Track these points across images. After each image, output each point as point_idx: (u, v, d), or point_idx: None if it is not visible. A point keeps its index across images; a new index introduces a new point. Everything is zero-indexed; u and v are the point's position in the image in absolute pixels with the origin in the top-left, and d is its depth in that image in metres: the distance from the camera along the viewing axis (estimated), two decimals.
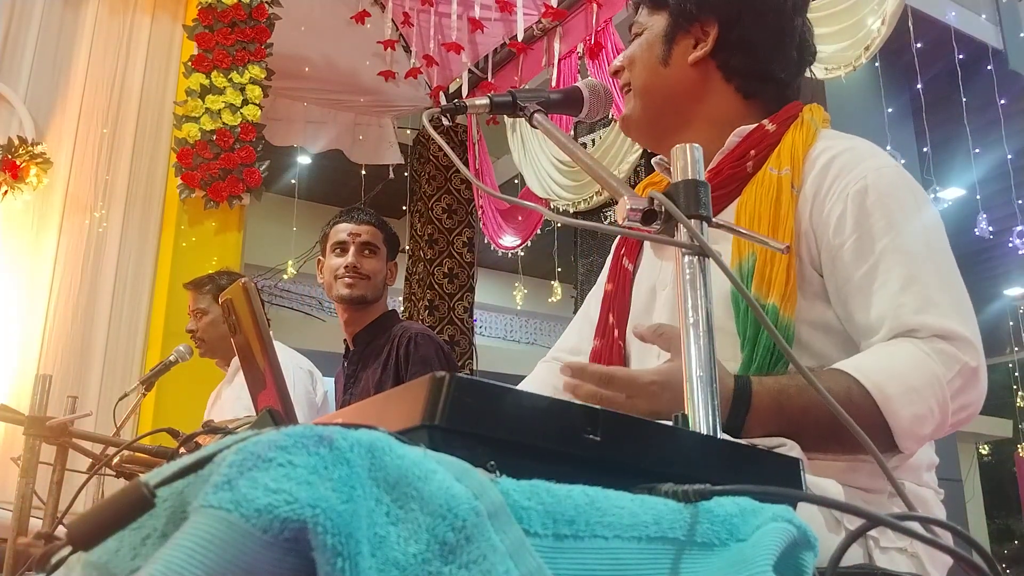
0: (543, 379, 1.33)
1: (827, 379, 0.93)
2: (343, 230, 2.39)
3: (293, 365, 2.73)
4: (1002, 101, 5.40)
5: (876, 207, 1.02)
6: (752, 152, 1.12)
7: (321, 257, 2.47)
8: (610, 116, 1.29)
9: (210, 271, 3.58)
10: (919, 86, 4.89)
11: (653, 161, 1.31)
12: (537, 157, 5.07)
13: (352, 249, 2.35)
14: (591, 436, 0.53)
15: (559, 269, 5.89)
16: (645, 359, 1.18)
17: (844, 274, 1.03)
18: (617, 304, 1.24)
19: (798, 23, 1.21)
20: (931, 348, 0.95)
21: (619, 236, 1.34)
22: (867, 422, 0.89)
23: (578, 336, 1.36)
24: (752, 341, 1.01)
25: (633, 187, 1.20)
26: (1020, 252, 5.18)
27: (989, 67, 5.52)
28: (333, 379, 2.68)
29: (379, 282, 2.39)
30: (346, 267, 2.33)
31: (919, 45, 4.47)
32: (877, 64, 4.65)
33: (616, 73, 1.25)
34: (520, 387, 1.21)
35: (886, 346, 0.97)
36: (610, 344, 1.22)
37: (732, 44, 1.18)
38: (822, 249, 1.05)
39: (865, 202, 1.03)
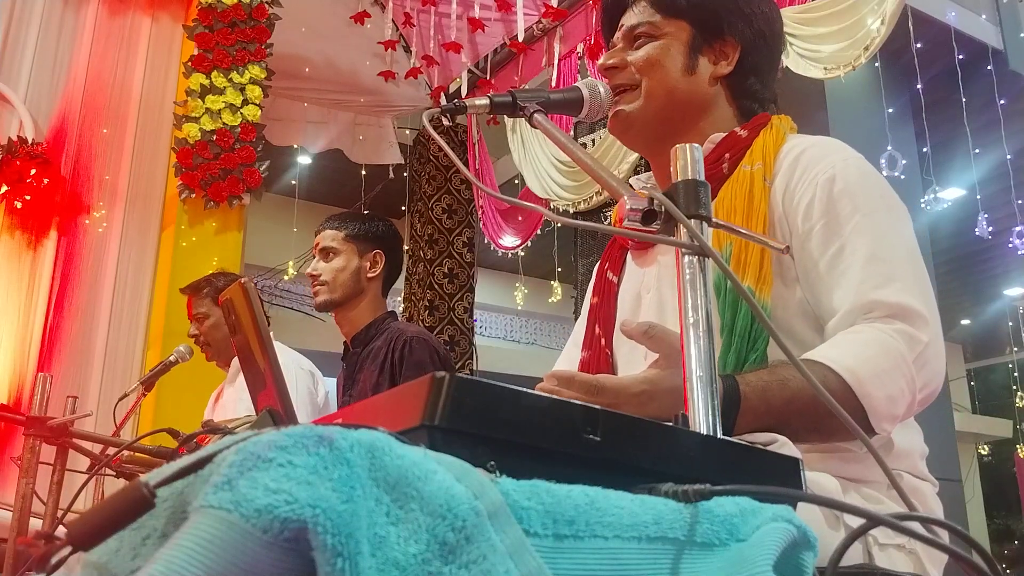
0: None
1: (837, 397, 0.93)
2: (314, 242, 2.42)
3: (295, 365, 2.72)
4: (1002, 101, 5.40)
5: (843, 194, 1.07)
6: (727, 155, 1.16)
7: None
8: (610, 116, 1.28)
9: (210, 271, 3.58)
10: (919, 86, 4.88)
11: (634, 181, 1.31)
12: (537, 157, 5.07)
13: (315, 259, 2.37)
14: (591, 436, 0.53)
15: (559, 269, 5.89)
16: (632, 367, 1.19)
17: (812, 257, 1.06)
18: (602, 314, 1.26)
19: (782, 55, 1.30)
20: (892, 329, 0.98)
21: (603, 251, 1.36)
22: (843, 407, 0.90)
23: (568, 363, 1.38)
24: (730, 326, 1.04)
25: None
26: (1020, 252, 5.18)
27: (989, 67, 5.52)
28: (336, 380, 2.68)
29: (342, 282, 2.33)
30: (309, 278, 2.36)
31: (919, 45, 4.47)
32: (877, 64, 4.64)
33: (611, 70, 1.23)
34: None
35: (850, 333, 0.99)
36: (597, 354, 1.24)
37: (748, 68, 1.22)
38: (793, 235, 1.09)
39: (833, 190, 1.07)
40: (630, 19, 1.24)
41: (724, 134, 1.19)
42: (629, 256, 1.29)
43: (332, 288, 2.33)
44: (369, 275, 2.37)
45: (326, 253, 2.36)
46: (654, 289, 1.18)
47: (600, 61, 1.26)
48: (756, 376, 0.95)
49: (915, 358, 0.97)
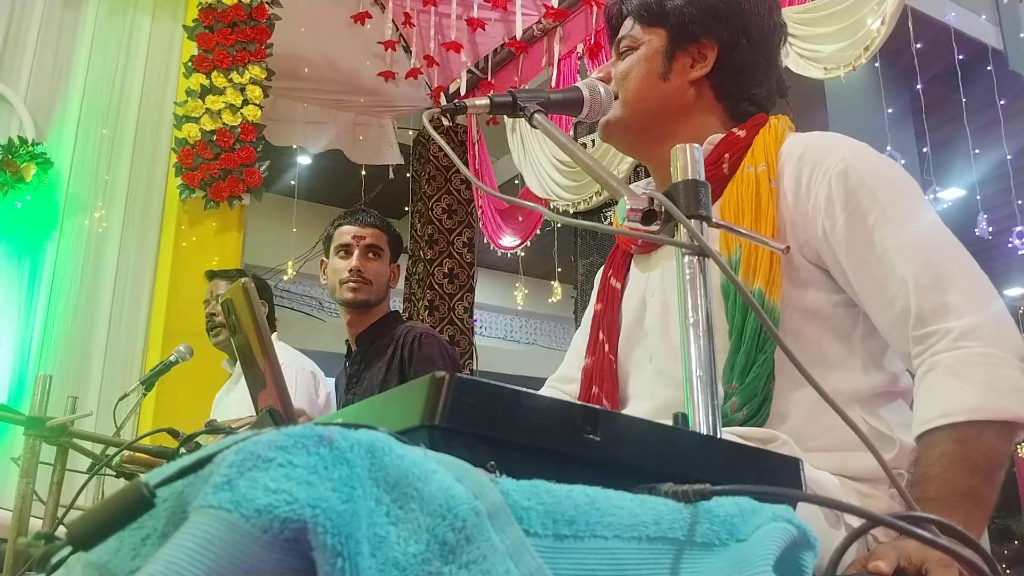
0: None
1: (972, 440, 0.94)
2: (347, 232, 2.38)
3: (296, 366, 2.73)
4: (1002, 101, 5.40)
5: (860, 185, 1.07)
6: (727, 155, 1.16)
7: (324, 258, 2.46)
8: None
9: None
10: (919, 86, 4.88)
11: (634, 187, 1.33)
12: (537, 157, 5.07)
13: (356, 252, 2.35)
14: (591, 436, 0.53)
15: (559, 269, 5.88)
16: (637, 373, 1.20)
17: (843, 251, 1.06)
18: (607, 321, 1.27)
19: (780, 56, 1.29)
20: (966, 342, 0.97)
21: (607, 257, 1.37)
22: (1010, 436, 0.95)
23: (567, 368, 1.40)
24: (740, 327, 1.05)
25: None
26: (1020, 252, 5.18)
27: (989, 67, 5.52)
28: (334, 380, 2.69)
29: (382, 285, 2.39)
30: (350, 271, 2.33)
31: (919, 45, 4.46)
32: (877, 64, 4.65)
33: (601, 82, 1.26)
34: None
35: (953, 374, 0.97)
36: (601, 360, 1.25)
37: (728, 67, 1.22)
38: (812, 234, 1.09)
39: (848, 181, 1.07)
40: (619, 33, 1.29)
41: (722, 134, 1.19)
42: (632, 262, 1.30)
43: (376, 289, 2.37)
44: (391, 285, 2.43)
45: (371, 251, 2.37)
46: (658, 292, 1.18)
47: (591, 75, 1.28)
48: (936, 488, 0.94)
49: (1005, 350, 0.97)
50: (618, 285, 1.29)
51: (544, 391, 1.40)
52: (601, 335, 1.27)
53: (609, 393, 1.21)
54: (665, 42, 1.23)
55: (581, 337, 1.37)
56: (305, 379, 2.74)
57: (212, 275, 2.99)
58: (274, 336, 2.94)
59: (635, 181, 1.39)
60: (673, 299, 1.14)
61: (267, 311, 2.99)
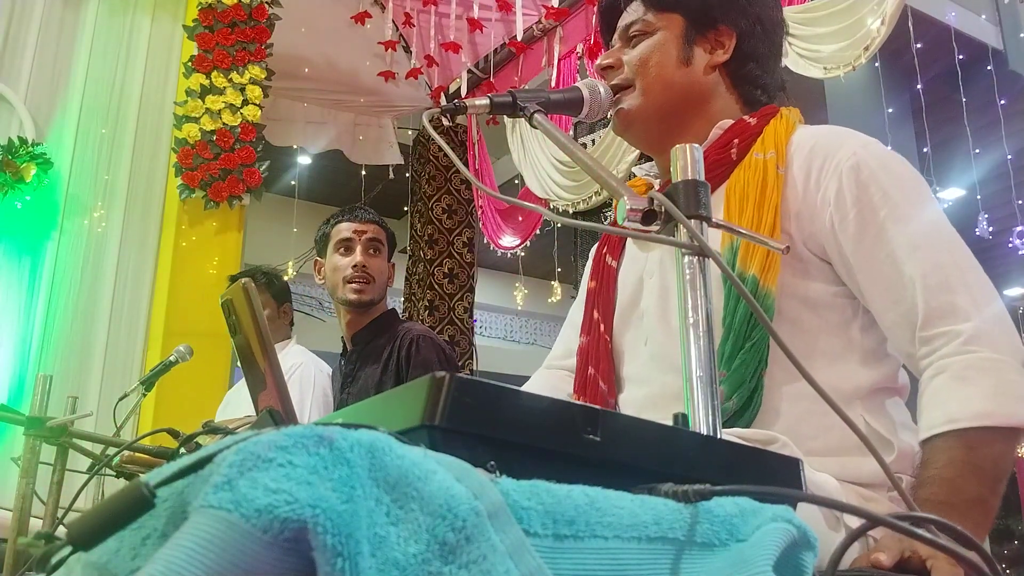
0: (541, 386, 1.35)
1: (980, 447, 0.94)
2: (347, 228, 2.35)
3: (315, 368, 2.74)
4: (1002, 101, 5.40)
5: (871, 181, 1.06)
6: (736, 141, 1.16)
7: (319, 258, 2.44)
8: (609, 116, 1.30)
9: (210, 271, 3.58)
10: (919, 86, 4.89)
11: (637, 170, 1.33)
12: (537, 157, 5.07)
13: (359, 248, 2.32)
14: (591, 436, 0.53)
15: (559, 269, 5.88)
16: (633, 353, 1.19)
17: (851, 246, 1.06)
18: (601, 300, 1.26)
19: (784, 43, 1.31)
20: (974, 347, 0.97)
21: (601, 235, 1.37)
22: (1015, 442, 0.95)
23: (564, 344, 1.39)
24: (731, 317, 1.05)
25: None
26: (1020, 252, 5.18)
27: (989, 67, 5.52)
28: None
29: (383, 282, 2.37)
30: (354, 267, 2.29)
31: (919, 45, 4.47)
32: (877, 64, 4.65)
33: (607, 69, 1.24)
34: None
35: (962, 379, 0.97)
36: (596, 339, 1.24)
37: (745, 54, 1.23)
38: (819, 227, 1.08)
39: (860, 177, 1.07)
40: (625, 19, 1.26)
41: (732, 120, 1.19)
42: (629, 240, 1.29)
43: (379, 287, 2.36)
44: (389, 283, 2.41)
45: (373, 246, 2.36)
46: (657, 275, 1.17)
47: (597, 62, 1.27)
48: (935, 489, 0.94)
49: (1011, 357, 0.97)
50: (614, 263, 1.28)
51: (541, 373, 1.40)
52: (596, 315, 1.26)
53: (605, 374, 1.21)
54: (683, 27, 1.22)
55: (577, 310, 1.36)
56: (323, 382, 2.74)
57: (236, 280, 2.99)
58: (293, 339, 2.94)
59: (639, 164, 1.38)
60: (672, 282, 1.13)
61: (290, 317, 2.99)
